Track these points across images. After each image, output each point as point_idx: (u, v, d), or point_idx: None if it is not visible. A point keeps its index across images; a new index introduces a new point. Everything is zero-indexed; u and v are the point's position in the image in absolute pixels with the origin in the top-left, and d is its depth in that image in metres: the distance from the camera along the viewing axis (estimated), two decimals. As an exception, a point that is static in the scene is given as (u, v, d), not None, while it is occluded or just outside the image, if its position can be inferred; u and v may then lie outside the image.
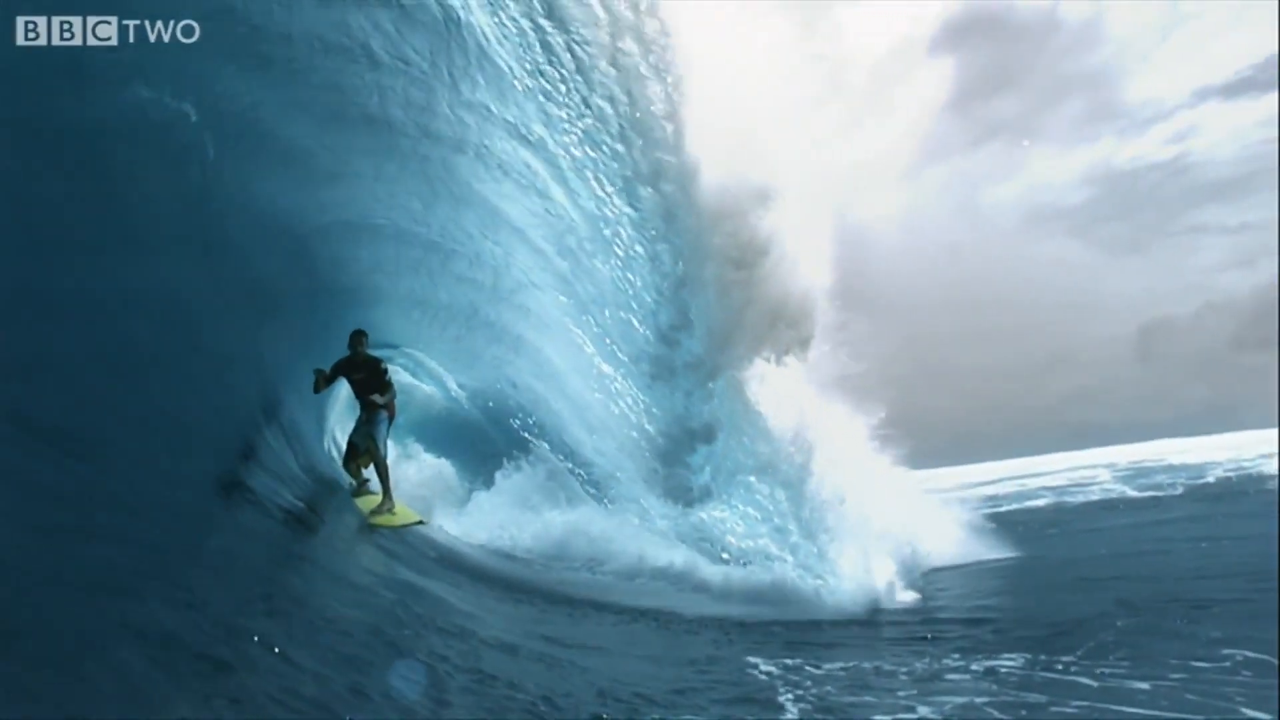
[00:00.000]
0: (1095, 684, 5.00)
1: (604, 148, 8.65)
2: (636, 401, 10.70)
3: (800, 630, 6.84)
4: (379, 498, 8.62)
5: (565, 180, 9.00)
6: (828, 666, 5.59)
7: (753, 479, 9.38)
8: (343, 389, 9.53)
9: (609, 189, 8.85)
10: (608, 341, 10.64)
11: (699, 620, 7.50)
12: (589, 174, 8.87)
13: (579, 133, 8.62)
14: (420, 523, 8.88)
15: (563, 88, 8.16)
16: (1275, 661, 5.22)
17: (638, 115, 8.70)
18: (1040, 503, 18.87)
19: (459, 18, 7.39)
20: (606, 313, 10.15)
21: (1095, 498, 18.71)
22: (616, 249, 9.36)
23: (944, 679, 5.29)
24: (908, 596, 8.10)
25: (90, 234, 5.11)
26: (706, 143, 9.41)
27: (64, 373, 3.90)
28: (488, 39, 7.71)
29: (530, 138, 8.57)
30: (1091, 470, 31.39)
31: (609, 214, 9.08)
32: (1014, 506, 14.08)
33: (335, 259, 10.27)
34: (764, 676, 5.31)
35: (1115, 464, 34.42)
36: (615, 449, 11.56)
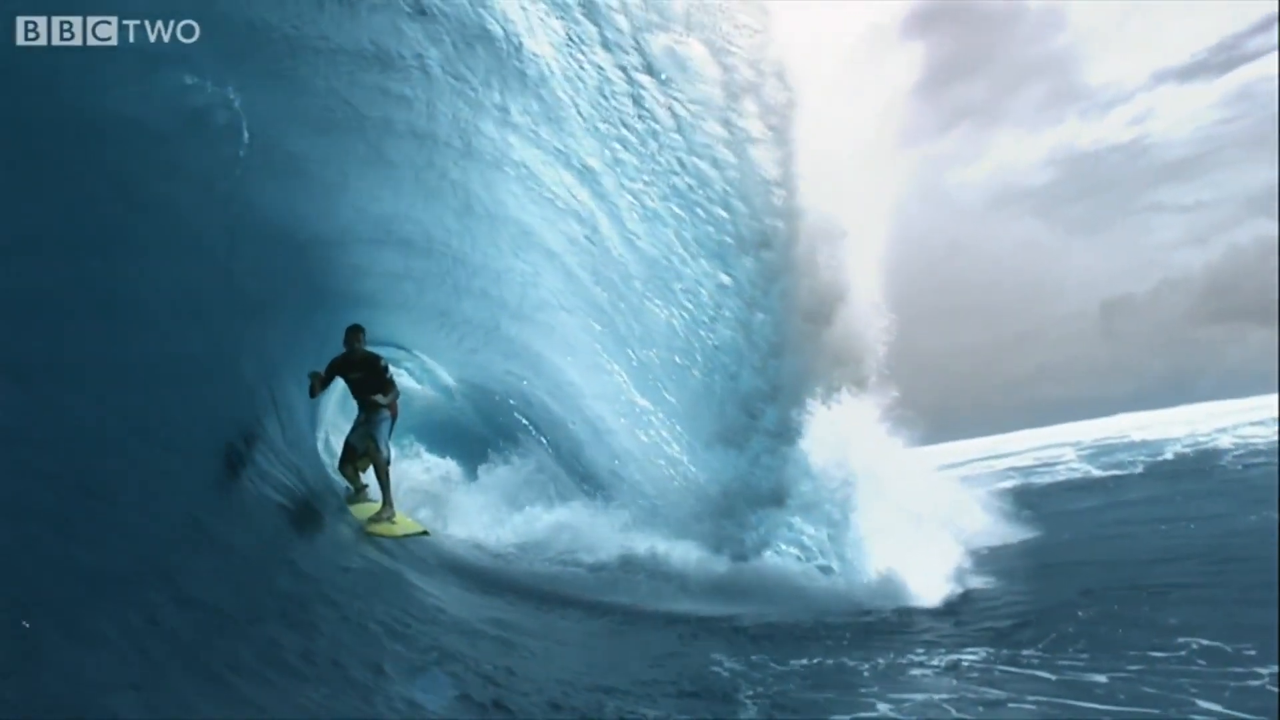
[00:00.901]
0: (1054, 677, 4.95)
1: (699, 210, 7.88)
2: (682, 447, 9.94)
3: (768, 627, 6.73)
4: (377, 505, 8.06)
5: (620, 217, 8.35)
6: (793, 663, 5.50)
7: (796, 519, 8.51)
8: (337, 387, 8.91)
9: (695, 249, 8.11)
10: (651, 379, 9.96)
11: (668, 615, 7.39)
12: (671, 232, 8.11)
13: (665, 187, 7.89)
14: (424, 533, 8.21)
15: (652, 143, 7.56)
16: (1229, 649, 5.18)
17: (746, 180, 7.88)
18: (1009, 484, 18.90)
19: (519, 43, 7.07)
20: (654, 353, 9.43)
21: (1061, 478, 18.91)
22: (686, 302, 8.58)
23: (906, 674, 5.23)
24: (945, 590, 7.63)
25: (121, 236, 5.17)
26: (811, 204, 8.60)
27: (70, 373, 3.84)
28: (551, 71, 7.30)
29: (581, 168, 8.09)
30: (1058, 449, 31.47)
31: (683, 267, 8.31)
32: (984, 490, 14.30)
33: (362, 265, 10.04)
34: (725, 673, 5.23)
35: (1080, 442, 34.60)
36: (639, 476, 10.88)
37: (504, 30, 6.94)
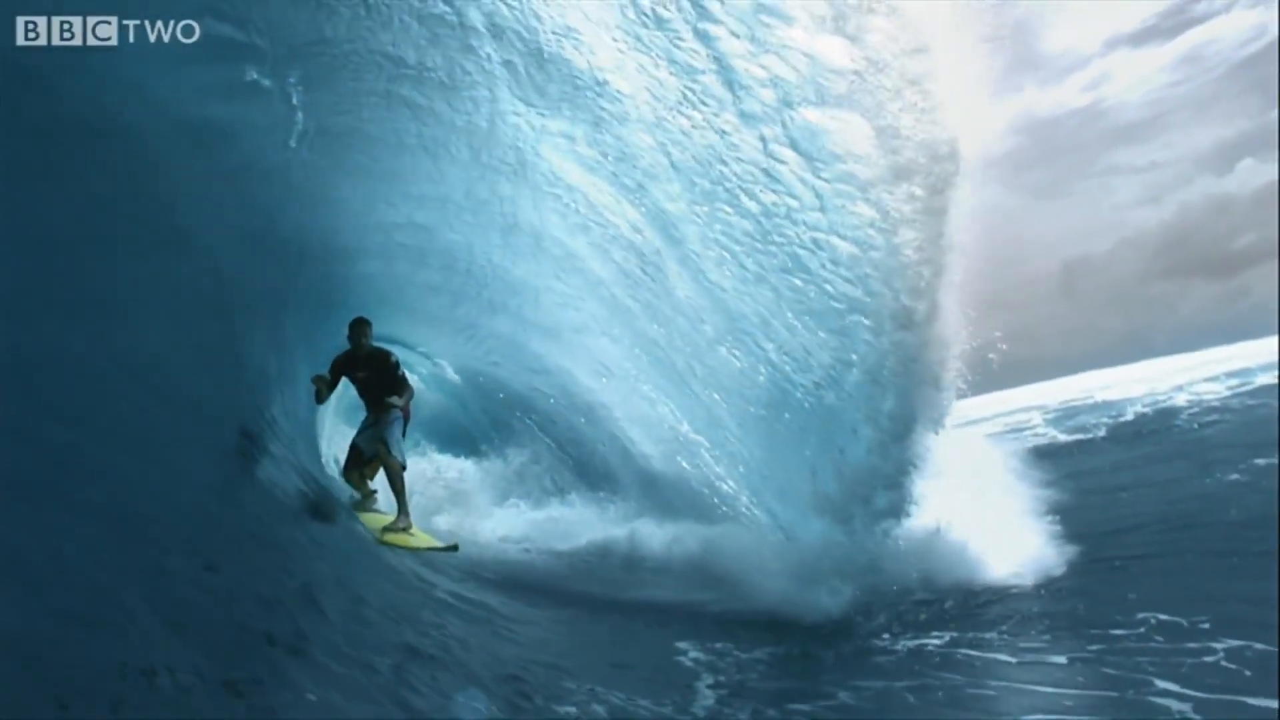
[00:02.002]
0: (1014, 660, 4.90)
1: (827, 285, 6.70)
2: (741, 487, 9.08)
3: (737, 615, 6.58)
4: (388, 516, 7.16)
5: (698, 265, 7.46)
6: (757, 652, 5.36)
7: None
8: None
9: (809, 320, 6.80)
10: (705, 414, 9.06)
11: (636, 603, 7.22)
12: (773, 295, 6.93)
13: (785, 256, 6.72)
14: (453, 548, 7.04)
15: (779, 216, 6.52)
16: (1185, 623, 5.19)
17: (892, 261, 6.68)
18: (979, 455, 18.98)
19: (603, 79, 6.56)
20: (718, 395, 8.49)
21: (1029, 444, 19.14)
22: (782, 363, 7.29)
23: (869, 661, 5.12)
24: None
25: (144, 237, 5.11)
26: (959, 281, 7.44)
27: (74, 374, 3.77)
28: (639, 115, 6.70)
29: (654, 209, 7.42)
30: (1025, 414, 31.50)
31: (786, 332, 7.00)
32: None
33: (401, 275, 9.83)
34: (690, 662, 5.11)
35: (1046, 405, 34.58)
36: (672, 495, 10.15)
37: (588, 63, 6.48)
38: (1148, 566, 6.81)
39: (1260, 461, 10.90)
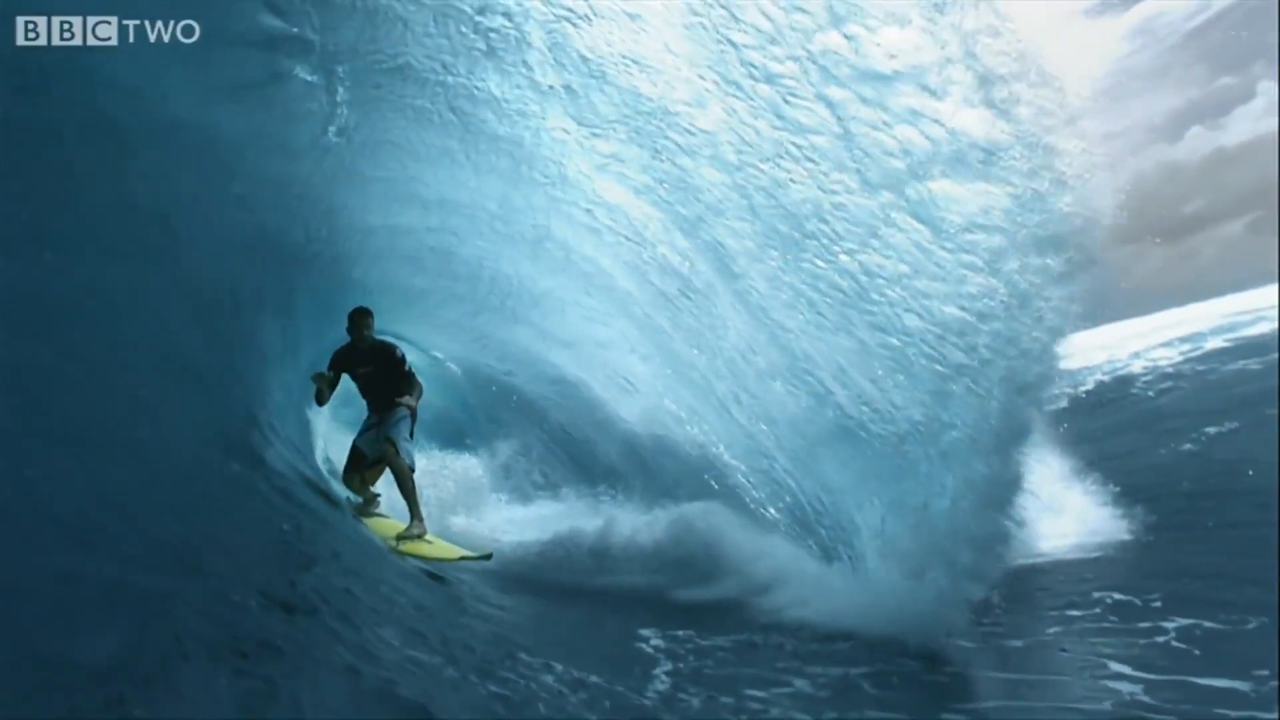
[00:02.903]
0: (973, 645, 4.88)
1: (931, 350, 5.61)
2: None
3: (702, 603, 6.42)
4: (397, 523, 6.39)
5: (757, 304, 6.76)
6: (716, 639, 5.25)
7: None
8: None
9: (903, 381, 5.79)
10: (747, 440, 8.30)
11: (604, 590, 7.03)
12: (856, 349, 5.92)
13: (896, 330, 5.65)
14: (486, 557, 6.26)
15: (878, 280, 5.59)
16: (1138, 602, 5.24)
17: (1017, 331, 5.57)
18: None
19: (677, 113, 6.13)
20: (764, 428, 7.75)
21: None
22: (848, 408, 6.36)
23: (829, 647, 5.03)
24: None
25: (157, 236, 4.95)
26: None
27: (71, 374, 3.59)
28: (712, 156, 6.13)
29: (712, 241, 6.89)
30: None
31: (863, 380, 5.99)
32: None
33: (427, 289, 9.63)
34: (650, 649, 4.99)
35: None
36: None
37: (659, 93, 6.05)
38: (1105, 546, 6.86)
39: (1211, 430, 10.99)
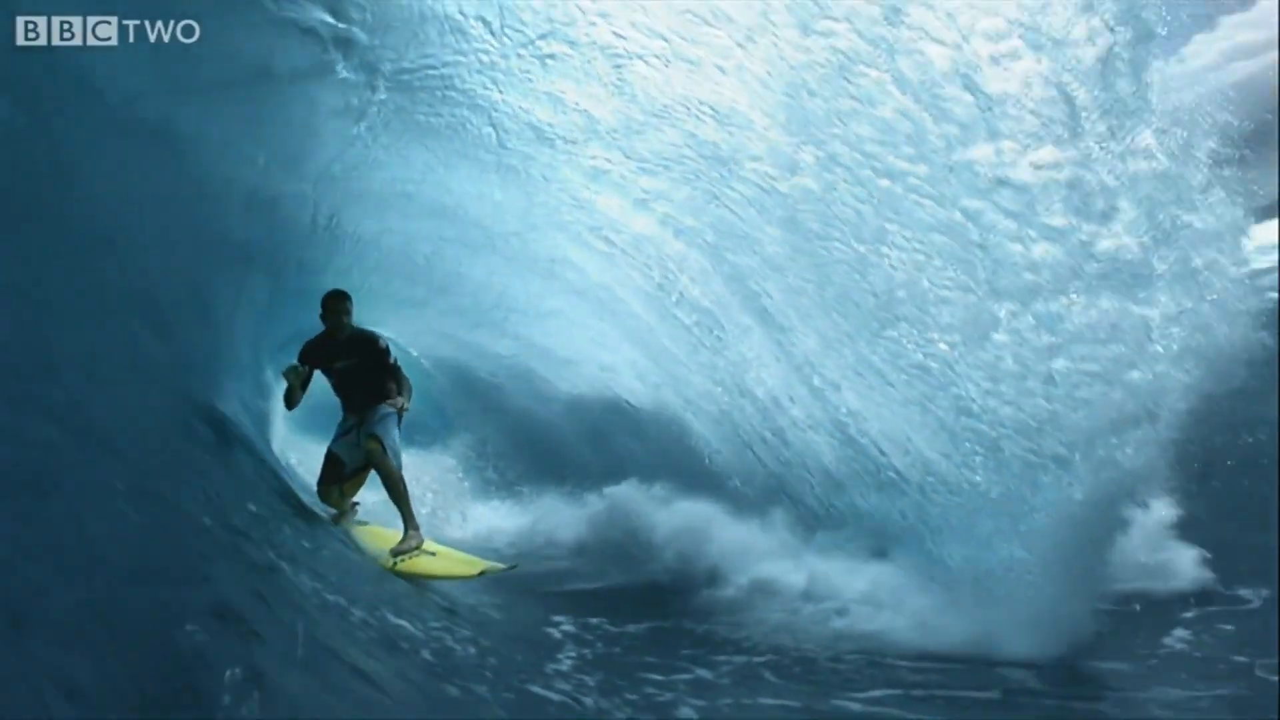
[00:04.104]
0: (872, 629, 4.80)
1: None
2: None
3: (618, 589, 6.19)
4: (381, 530, 5.57)
5: (803, 357, 6.20)
6: (631, 627, 4.99)
7: None
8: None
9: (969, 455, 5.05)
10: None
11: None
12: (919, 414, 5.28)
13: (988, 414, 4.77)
14: (512, 568, 5.50)
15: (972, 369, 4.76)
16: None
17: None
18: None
19: (738, 163, 5.54)
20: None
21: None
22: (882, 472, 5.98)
23: (732, 637, 4.85)
24: None
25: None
26: None
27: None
28: (763, 206, 5.57)
29: (759, 291, 6.31)
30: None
31: (924, 446, 5.39)
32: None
33: (432, 304, 9.20)
34: (558, 634, 4.73)
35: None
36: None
37: (733, 143, 5.47)
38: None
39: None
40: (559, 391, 10.03)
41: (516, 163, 6.68)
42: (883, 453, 5.68)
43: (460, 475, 11.19)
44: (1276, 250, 9.66)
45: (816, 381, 6.10)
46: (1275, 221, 9.73)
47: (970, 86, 4.01)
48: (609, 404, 9.32)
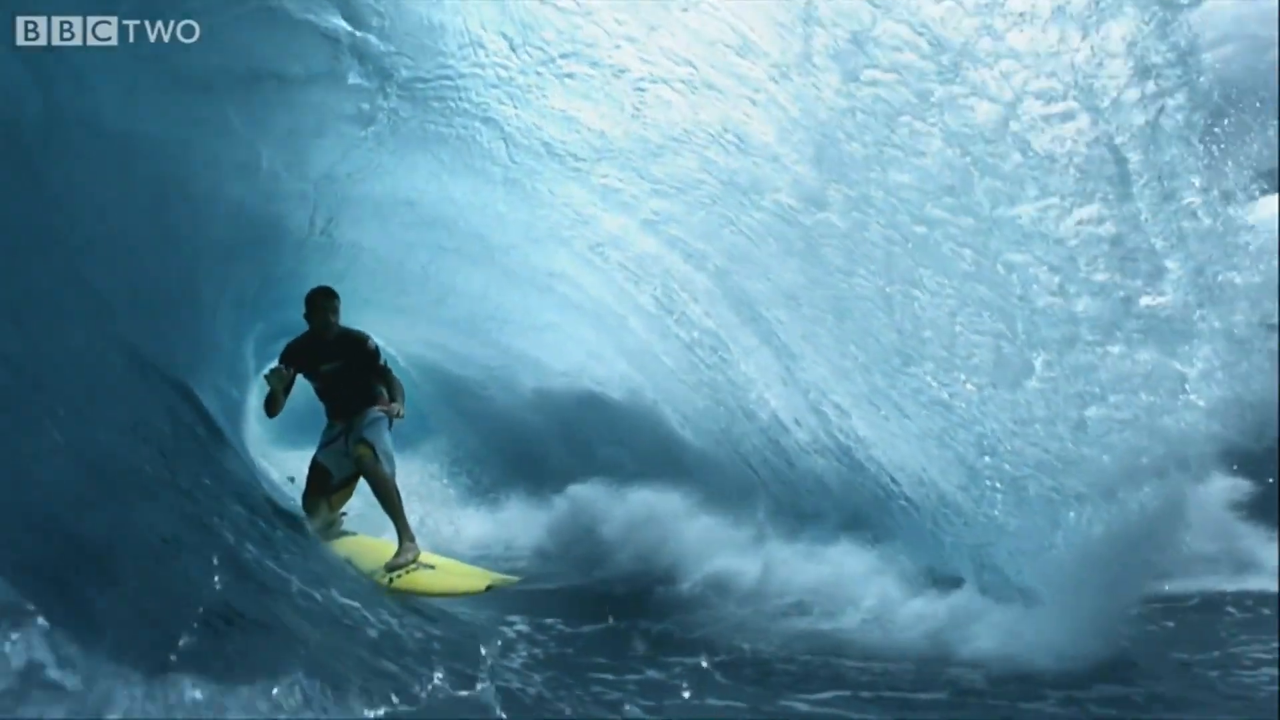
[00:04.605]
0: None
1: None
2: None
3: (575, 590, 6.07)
4: (370, 542, 5.14)
5: (825, 396, 5.99)
6: (585, 628, 4.82)
7: None
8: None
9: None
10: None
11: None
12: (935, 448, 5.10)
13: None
14: (520, 580, 5.23)
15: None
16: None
17: None
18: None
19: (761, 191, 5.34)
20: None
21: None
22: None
23: (687, 637, 4.75)
24: None
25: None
26: None
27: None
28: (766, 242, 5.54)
29: (771, 319, 6.15)
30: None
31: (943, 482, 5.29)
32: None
33: (404, 305, 9.01)
34: (513, 632, 4.57)
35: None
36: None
37: (760, 174, 5.28)
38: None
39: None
40: (546, 402, 9.88)
41: (523, 177, 6.54)
42: (894, 480, 5.67)
43: (444, 482, 10.93)
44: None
45: (825, 407, 6.06)
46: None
47: (1020, 145, 3.95)
48: (597, 413, 9.19)
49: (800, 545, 6.11)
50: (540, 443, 10.58)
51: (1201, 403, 3.85)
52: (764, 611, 5.21)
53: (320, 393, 5.02)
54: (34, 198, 4.15)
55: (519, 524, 8.64)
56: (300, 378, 5.01)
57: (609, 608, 5.21)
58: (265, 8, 4.53)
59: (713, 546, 6.23)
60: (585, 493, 8.04)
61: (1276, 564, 5.48)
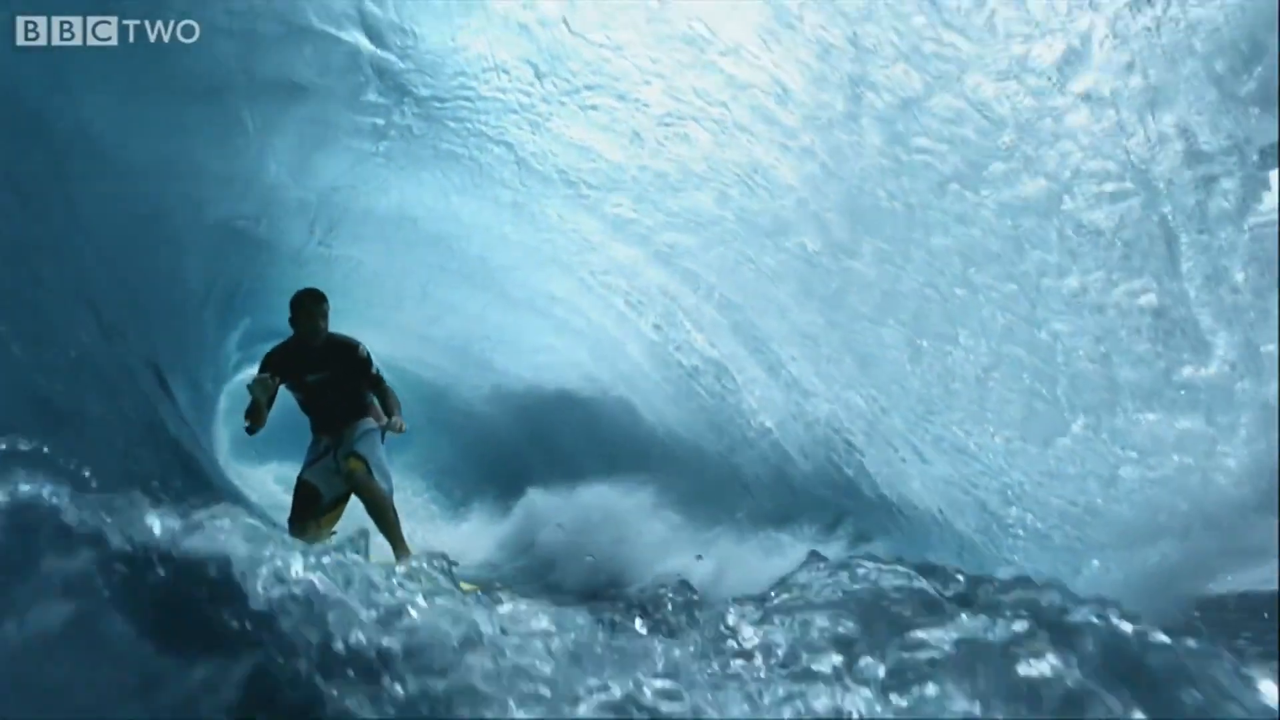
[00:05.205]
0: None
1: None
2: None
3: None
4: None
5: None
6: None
7: None
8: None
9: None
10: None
11: None
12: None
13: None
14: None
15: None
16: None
17: None
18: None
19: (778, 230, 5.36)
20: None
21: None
22: None
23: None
24: None
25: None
26: None
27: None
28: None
29: (770, 352, 6.19)
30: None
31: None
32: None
33: (394, 321, 8.74)
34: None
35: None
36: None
37: (769, 209, 5.22)
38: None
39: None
40: (532, 421, 9.67)
41: (530, 201, 6.41)
42: (904, 514, 5.64)
43: (426, 499, 10.67)
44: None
45: (835, 443, 5.99)
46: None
47: (1072, 223, 3.90)
48: (588, 434, 9.02)
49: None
50: (522, 460, 10.39)
51: (1232, 463, 3.85)
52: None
53: (305, 405, 4.38)
54: (34, 198, 4.08)
55: (483, 538, 8.56)
56: (282, 389, 4.32)
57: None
58: (283, 15, 4.44)
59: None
60: (542, 502, 7.98)
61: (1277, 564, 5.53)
